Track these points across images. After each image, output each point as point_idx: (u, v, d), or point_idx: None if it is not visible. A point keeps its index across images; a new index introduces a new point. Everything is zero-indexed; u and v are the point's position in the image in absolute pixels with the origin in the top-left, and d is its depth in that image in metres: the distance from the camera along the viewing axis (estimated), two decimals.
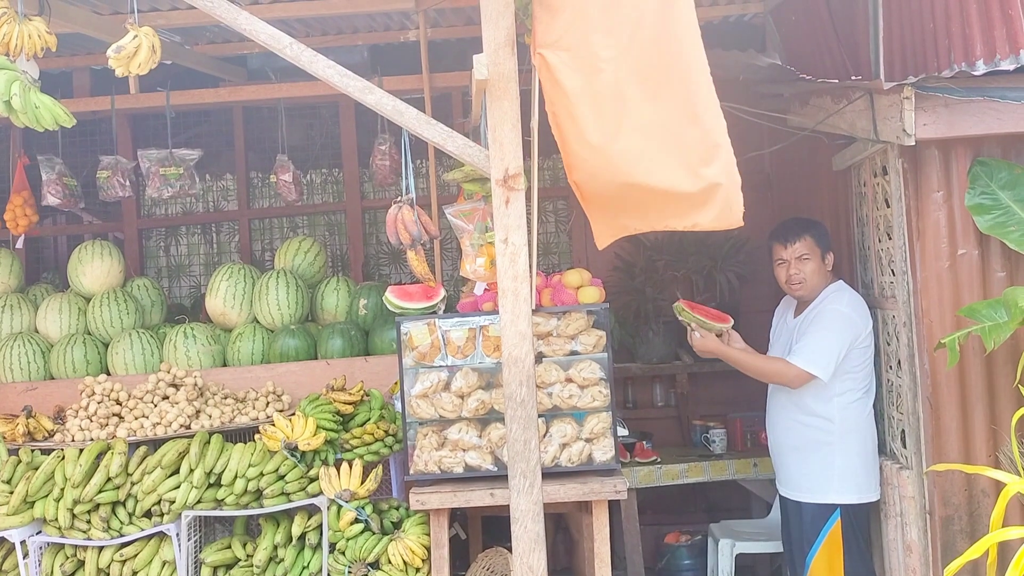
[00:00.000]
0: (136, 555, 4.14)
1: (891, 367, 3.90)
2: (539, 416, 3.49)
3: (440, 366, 3.95)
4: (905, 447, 3.75)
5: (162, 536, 4.13)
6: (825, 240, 4.05)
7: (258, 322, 5.00)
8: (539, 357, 3.86)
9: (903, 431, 3.77)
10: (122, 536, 4.11)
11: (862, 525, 3.95)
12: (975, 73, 3.34)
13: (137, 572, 4.13)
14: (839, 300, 3.93)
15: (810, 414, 3.94)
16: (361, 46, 5.72)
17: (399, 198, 3.92)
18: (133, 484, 4.14)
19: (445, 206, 4.28)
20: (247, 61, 5.94)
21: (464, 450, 3.91)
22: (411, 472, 3.96)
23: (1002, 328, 3.29)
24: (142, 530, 4.10)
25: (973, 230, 3.57)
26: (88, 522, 4.12)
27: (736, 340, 4.04)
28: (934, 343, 3.54)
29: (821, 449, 3.92)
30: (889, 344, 3.90)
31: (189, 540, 4.11)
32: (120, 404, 4.48)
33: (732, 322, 4.07)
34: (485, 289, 4.15)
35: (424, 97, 4.99)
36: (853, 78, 4.07)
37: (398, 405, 4.25)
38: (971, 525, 3.55)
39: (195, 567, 4.17)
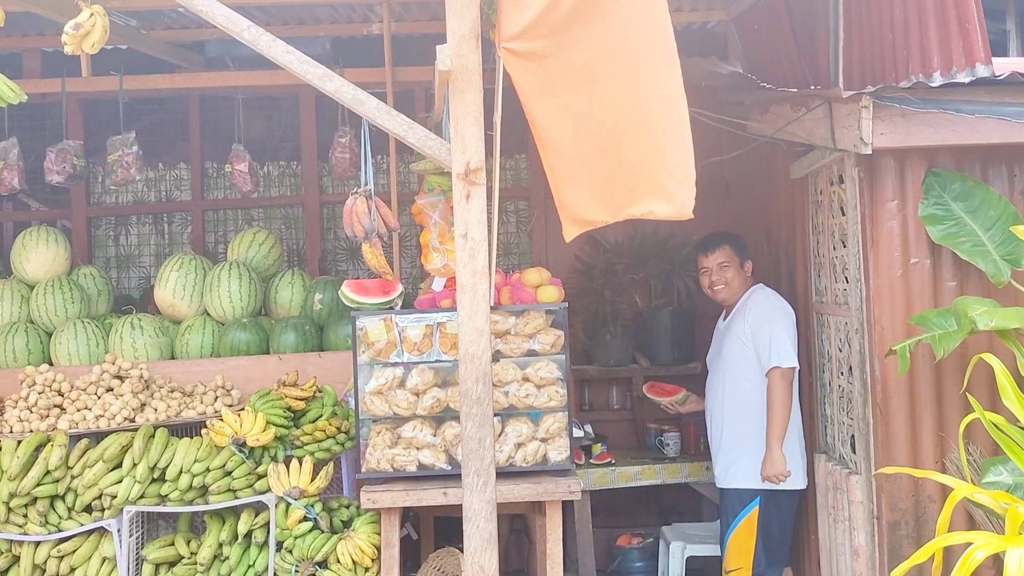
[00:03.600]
0: (75, 551, 4.03)
1: (842, 373, 3.94)
2: (495, 415, 3.47)
3: (396, 363, 3.90)
4: (854, 452, 3.79)
5: (102, 532, 4.03)
6: (743, 250, 4.45)
7: (208, 315, 4.90)
8: (496, 355, 3.83)
9: (853, 436, 3.82)
10: (60, 531, 4.00)
11: (782, 512, 4.18)
12: (932, 84, 3.39)
13: (75, 569, 4.02)
14: (767, 298, 4.30)
15: (744, 403, 4.21)
16: (323, 37, 5.65)
17: (356, 190, 3.87)
18: (73, 478, 4.03)
19: (417, 197, 4.25)
20: (205, 48, 5.83)
21: (418, 448, 3.87)
22: (363, 470, 3.90)
23: (951, 337, 3.34)
24: (81, 525, 4.00)
25: (926, 240, 3.63)
26: (25, 516, 4.00)
27: (695, 402, 4.73)
28: (885, 350, 3.58)
29: (749, 439, 4.15)
30: (841, 351, 3.95)
31: (131, 536, 4.01)
32: (62, 395, 4.36)
33: (684, 391, 4.83)
34: (444, 286, 4.12)
35: (386, 91, 4.94)
36: (812, 87, 4.12)
37: (351, 402, 4.19)
38: (917, 530, 3.60)
39: (136, 564, 4.06)
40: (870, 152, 3.50)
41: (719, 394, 4.37)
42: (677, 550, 4.76)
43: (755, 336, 4.18)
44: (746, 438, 4.19)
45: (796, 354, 4.11)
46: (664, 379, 5.27)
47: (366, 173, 3.91)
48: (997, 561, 3.25)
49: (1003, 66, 3.57)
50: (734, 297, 4.39)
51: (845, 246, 3.84)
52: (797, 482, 4.15)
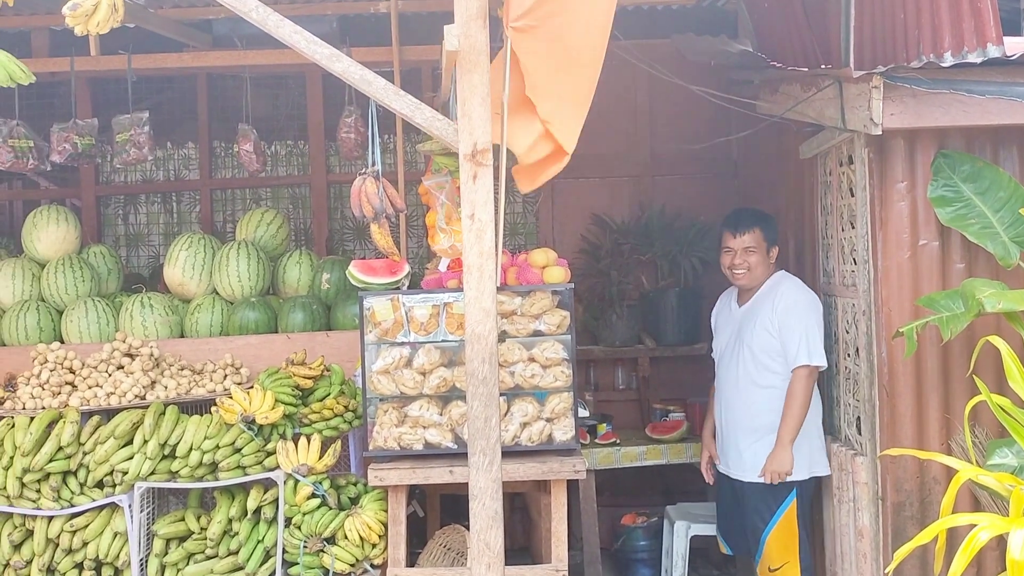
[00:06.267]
0: (87, 526, 4.07)
1: (849, 355, 3.94)
2: (501, 395, 3.48)
3: (403, 342, 3.92)
4: (860, 433, 3.80)
5: (114, 507, 4.07)
6: (773, 235, 4.22)
7: (217, 294, 4.92)
8: (502, 336, 3.84)
9: (859, 418, 3.82)
10: (73, 506, 4.04)
11: (809, 501, 4.13)
12: (943, 65, 3.37)
13: (88, 543, 4.07)
14: (797, 289, 4.12)
15: (769, 392, 4.05)
16: (330, 16, 5.62)
17: (364, 170, 3.87)
18: (85, 454, 4.07)
19: (424, 178, 4.23)
20: (212, 27, 5.81)
21: (424, 427, 3.89)
22: (370, 448, 3.93)
23: (959, 319, 3.33)
24: (93, 500, 4.04)
25: (934, 221, 3.61)
26: (38, 491, 4.05)
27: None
28: (892, 332, 3.58)
29: (776, 430, 4.00)
30: (848, 332, 3.94)
31: (142, 512, 4.05)
32: (73, 373, 4.39)
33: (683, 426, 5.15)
34: (449, 266, 4.13)
35: (393, 70, 4.92)
36: (823, 66, 4.09)
37: (359, 381, 4.21)
38: (922, 511, 3.61)
39: (147, 539, 4.11)
40: (880, 133, 3.48)
41: (737, 382, 4.17)
42: (681, 529, 4.79)
43: (783, 328, 4.00)
44: (773, 429, 4.00)
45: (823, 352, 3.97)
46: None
47: (374, 153, 3.91)
48: (1001, 543, 3.26)
49: (1015, 46, 3.53)
50: (754, 284, 4.18)
51: (854, 227, 3.83)
52: (822, 469, 4.07)
